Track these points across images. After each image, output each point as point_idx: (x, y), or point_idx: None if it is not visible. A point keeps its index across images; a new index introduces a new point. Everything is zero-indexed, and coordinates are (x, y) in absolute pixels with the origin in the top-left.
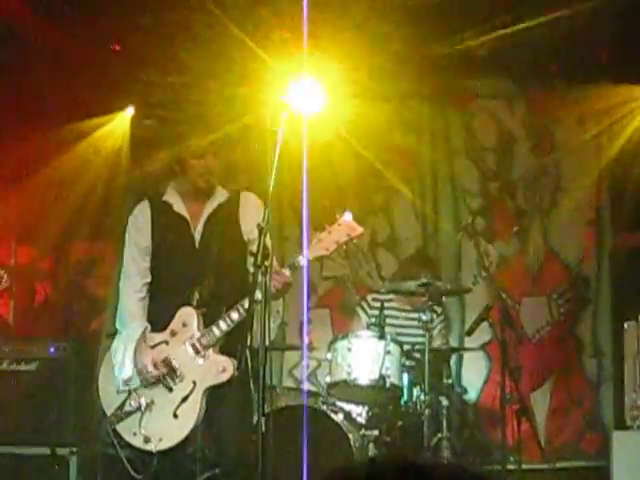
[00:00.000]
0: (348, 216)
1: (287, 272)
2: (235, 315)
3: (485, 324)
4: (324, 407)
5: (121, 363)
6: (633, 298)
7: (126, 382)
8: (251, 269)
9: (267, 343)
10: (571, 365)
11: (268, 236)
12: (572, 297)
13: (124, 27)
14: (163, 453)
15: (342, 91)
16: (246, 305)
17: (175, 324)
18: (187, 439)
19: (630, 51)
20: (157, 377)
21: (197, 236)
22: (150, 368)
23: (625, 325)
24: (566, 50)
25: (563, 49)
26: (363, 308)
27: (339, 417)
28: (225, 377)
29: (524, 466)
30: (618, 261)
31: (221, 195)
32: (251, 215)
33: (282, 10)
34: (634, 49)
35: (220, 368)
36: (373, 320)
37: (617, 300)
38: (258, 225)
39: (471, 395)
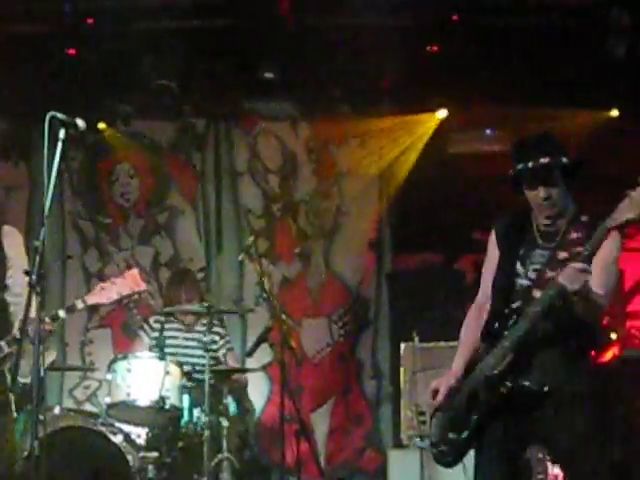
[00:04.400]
0: (134, 271)
1: (47, 321)
2: (5, 345)
3: (265, 345)
4: (103, 428)
5: None
6: (409, 319)
7: None
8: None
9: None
10: (351, 385)
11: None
12: (352, 318)
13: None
14: None
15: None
16: (17, 335)
17: None
18: None
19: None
20: None
21: None
22: None
23: (401, 346)
24: (351, 76)
25: (348, 75)
26: (145, 330)
27: (118, 438)
28: None
29: None
30: (396, 283)
31: None
32: (15, 245)
33: None
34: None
35: None
36: (155, 342)
37: (395, 321)
38: (33, 243)
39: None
